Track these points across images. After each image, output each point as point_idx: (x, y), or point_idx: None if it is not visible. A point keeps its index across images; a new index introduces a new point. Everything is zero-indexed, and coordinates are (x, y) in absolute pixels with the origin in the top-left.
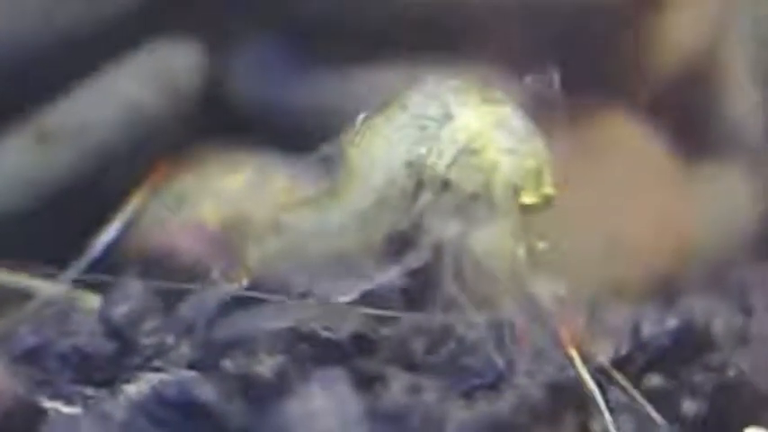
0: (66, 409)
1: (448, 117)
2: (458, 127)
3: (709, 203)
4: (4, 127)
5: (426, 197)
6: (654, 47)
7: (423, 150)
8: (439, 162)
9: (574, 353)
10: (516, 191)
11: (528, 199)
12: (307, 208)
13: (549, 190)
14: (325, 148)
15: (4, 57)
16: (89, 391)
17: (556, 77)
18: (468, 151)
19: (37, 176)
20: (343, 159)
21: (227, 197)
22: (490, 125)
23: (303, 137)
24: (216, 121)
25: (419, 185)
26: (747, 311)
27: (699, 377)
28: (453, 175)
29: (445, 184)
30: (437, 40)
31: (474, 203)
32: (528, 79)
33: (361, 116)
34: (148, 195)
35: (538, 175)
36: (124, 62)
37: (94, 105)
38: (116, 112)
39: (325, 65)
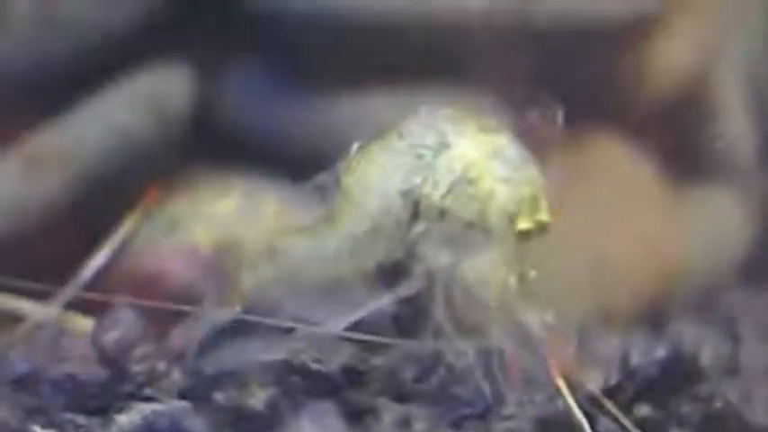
0: None
1: (444, 146)
2: (454, 156)
3: (698, 228)
4: None
5: (420, 226)
6: (645, 71)
7: (418, 180)
8: (434, 192)
9: (561, 383)
10: (512, 218)
11: (524, 225)
12: (302, 234)
13: (544, 216)
14: (320, 176)
15: None
16: (81, 419)
17: (560, 114)
18: (465, 180)
19: (27, 201)
20: (338, 186)
21: (218, 221)
22: (486, 154)
23: (294, 161)
24: (206, 146)
25: (414, 215)
26: (736, 340)
27: (687, 407)
28: (449, 204)
29: (441, 214)
30: (431, 66)
31: (468, 232)
32: (531, 114)
33: (356, 144)
34: (140, 219)
35: (533, 202)
36: (114, 88)
37: (85, 130)
38: (106, 137)
39: (316, 90)
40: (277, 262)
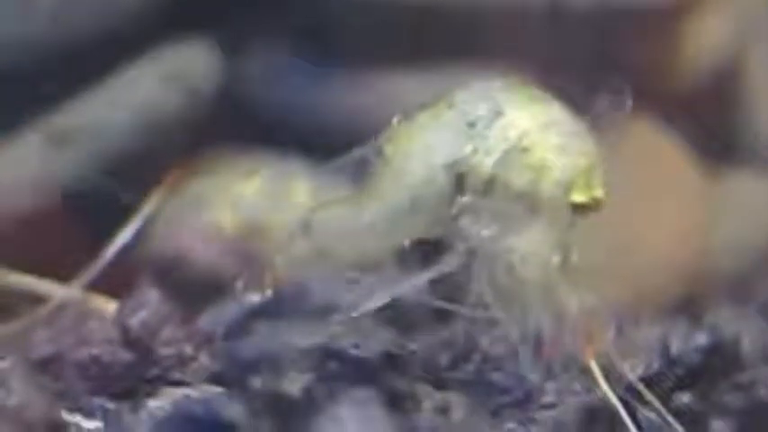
0: (87, 424)
1: (498, 114)
2: (508, 124)
3: (735, 215)
4: (19, 128)
5: (465, 200)
6: (680, 55)
7: (468, 149)
8: (485, 160)
9: (595, 366)
10: (566, 189)
11: (578, 197)
12: (338, 206)
13: (598, 192)
14: (357, 151)
15: (18, 59)
16: (109, 404)
17: (629, 100)
18: (519, 149)
19: (51, 178)
20: (379, 156)
21: (244, 203)
22: (541, 124)
23: (321, 141)
24: (233, 125)
25: (459, 186)
26: None
27: (728, 396)
28: (501, 173)
29: (490, 183)
30: (458, 47)
31: (515, 207)
32: (600, 100)
33: (397, 117)
34: (164, 199)
35: (588, 174)
36: (141, 64)
37: (110, 107)
38: (132, 114)
39: (345, 69)
40: (311, 238)
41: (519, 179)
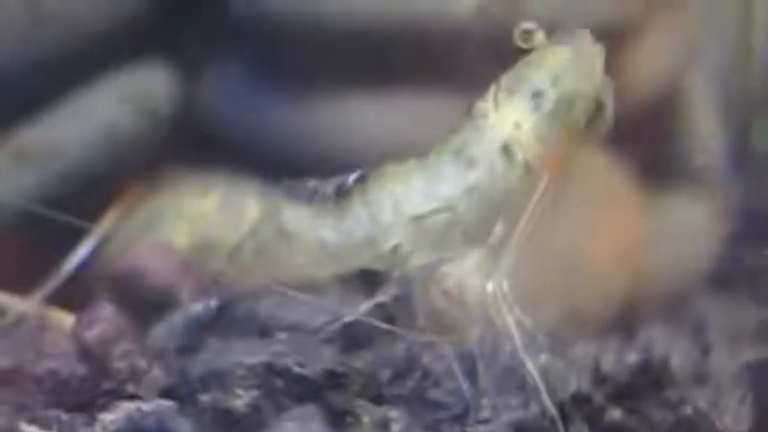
0: None
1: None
2: None
3: (669, 235)
4: None
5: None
6: (619, 77)
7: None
8: None
9: (537, 378)
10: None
11: None
12: (313, 214)
13: None
14: (314, 183)
15: None
16: (64, 416)
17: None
18: None
19: (11, 196)
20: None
21: (198, 220)
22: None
23: (275, 162)
24: (189, 144)
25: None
26: (706, 347)
27: (657, 413)
28: None
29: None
30: (414, 70)
31: (449, 235)
32: None
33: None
34: (121, 216)
35: None
36: (100, 84)
37: (70, 126)
38: (91, 134)
39: (299, 92)
40: (289, 245)
41: None
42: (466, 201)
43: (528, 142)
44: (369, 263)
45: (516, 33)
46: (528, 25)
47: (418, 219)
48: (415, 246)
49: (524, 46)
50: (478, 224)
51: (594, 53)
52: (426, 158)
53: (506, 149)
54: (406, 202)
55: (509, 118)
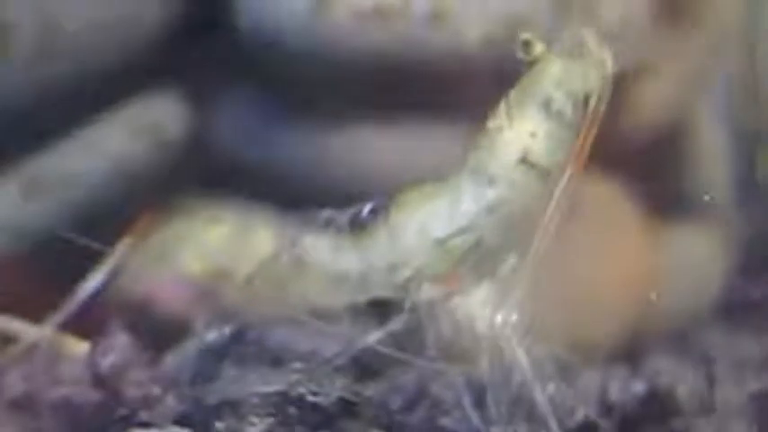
0: None
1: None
2: None
3: (676, 267)
4: None
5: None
6: (627, 112)
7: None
8: None
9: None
10: None
11: None
12: (324, 238)
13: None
14: (329, 212)
15: None
16: None
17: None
18: None
19: (23, 227)
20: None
21: (211, 248)
22: None
23: (287, 191)
24: (201, 174)
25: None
26: (711, 378)
27: None
28: None
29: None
30: (426, 102)
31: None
32: None
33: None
34: (134, 245)
35: None
36: (110, 115)
37: (81, 157)
38: (102, 164)
39: (310, 121)
40: (305, 275)
41: None
42: (488, 220)
43: (545, 149)
44: (389, 291)
45: (516, 46)
46: (527, 36)
47: (442, 242)
48: (434, 270)
49: (526, 57)
50: (499, 245)
51: (600, 50)
52: (446, 181)
53: (524, 161)
54: (430, 226)
55: (524, 129)
